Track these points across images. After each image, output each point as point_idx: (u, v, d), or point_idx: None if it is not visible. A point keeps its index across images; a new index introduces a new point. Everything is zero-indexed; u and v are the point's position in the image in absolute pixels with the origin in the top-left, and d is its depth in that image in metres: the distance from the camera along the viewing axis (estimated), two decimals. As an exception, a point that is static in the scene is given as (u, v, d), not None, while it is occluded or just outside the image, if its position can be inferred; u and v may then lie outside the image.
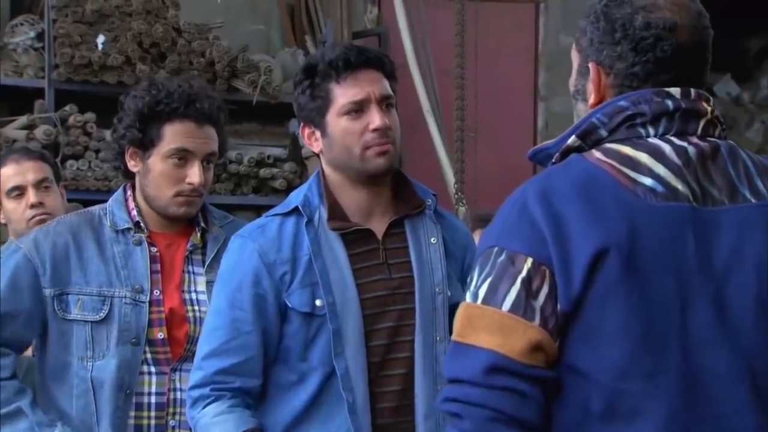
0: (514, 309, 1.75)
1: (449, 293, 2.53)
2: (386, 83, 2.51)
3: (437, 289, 2.52)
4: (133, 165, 2.78)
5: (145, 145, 2.75)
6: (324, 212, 2.51)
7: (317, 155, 2.58)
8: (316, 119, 2.51)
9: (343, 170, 2.51)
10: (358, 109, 2.47)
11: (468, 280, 1.82)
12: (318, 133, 2.52)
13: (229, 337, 2.46)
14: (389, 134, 2.47)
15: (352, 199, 2.53)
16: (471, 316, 1.77)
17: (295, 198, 2.56)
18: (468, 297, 1.79)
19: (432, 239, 2.55)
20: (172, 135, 2.74)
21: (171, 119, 2.74)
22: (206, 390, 2.46)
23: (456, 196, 5.58)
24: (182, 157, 2.74)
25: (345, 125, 2.47)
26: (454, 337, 1.79)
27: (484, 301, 1.77)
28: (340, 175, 2.52)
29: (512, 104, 7.02)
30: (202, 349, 2.50)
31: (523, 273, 1.75)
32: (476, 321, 1.76)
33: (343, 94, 2.47)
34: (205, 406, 2.46)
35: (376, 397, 2.47)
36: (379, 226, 2.53)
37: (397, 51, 5.73)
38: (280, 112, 5.87)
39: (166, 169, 2.74)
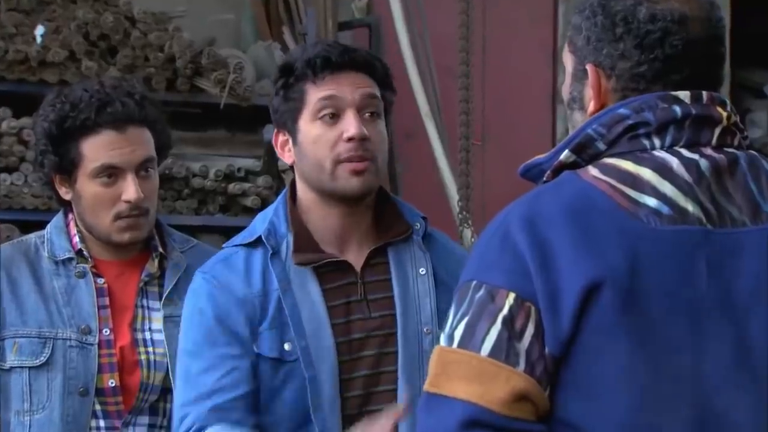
0: (494, 353, 1.76)
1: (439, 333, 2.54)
2: (374, 90, 2.52)
3: (425, 330, 2.54)
4: (64, 192, 2.80)
5: (67, 169, 2.75)
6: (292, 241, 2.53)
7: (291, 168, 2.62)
8: (288, 124, 2.54)
9: (314, 188, 2.54)
10: (332, 113, 2.49)
11: (445, 319, 1.85)
12: (291, 142, 2.55)
13: (220, 375, 2.47)
14: (367, 147, 2.48)
15: (326, 223, 2.55)
16: (446, 362, 1.80)
17: (260, 224, 2.58)
18: (442, 340, 1.82)
19: (420, 270, 2.57)
20: (92, 151, 2.74)
21: (85, 133, 2.74)
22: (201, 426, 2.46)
23: (460, 215, 5.56)
24: (110, 174, 2.74)
25: (316, 132, 2.50)
26: (426, 387, 1.81)
27: (460, 345, 1.79)
28: (312, 194, 2.55)
29: (526, 108, 7.03)
30: (185, 395, 2.49)
31: (505, 311, 1.77)
32: (451, 368, 1.78)
33: (317, 94, 2.50)
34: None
35: None
36: (357, 256, 2.56)
37: (390, 45, 5.74)
38: (253, 116, 5.87)
39: (95, 191, 2.75)
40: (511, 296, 1.77)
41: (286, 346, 2.48)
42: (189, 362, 2.51)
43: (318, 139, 2.49)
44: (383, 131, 2.54)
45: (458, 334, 1.79)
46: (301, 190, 2.56)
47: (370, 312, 2.53)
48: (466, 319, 1.79)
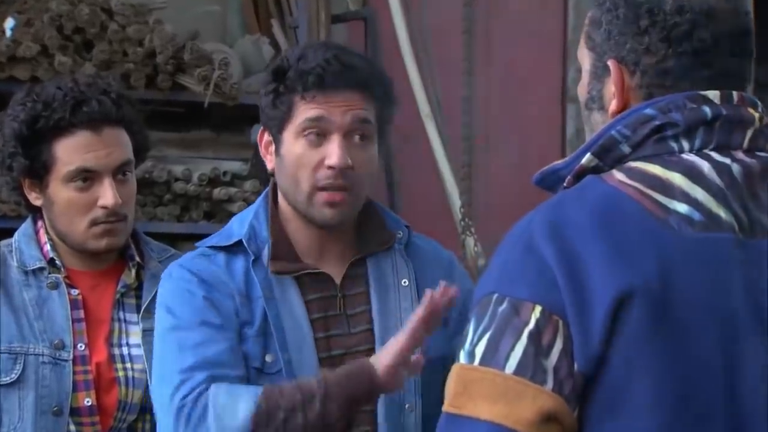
0: (520, 370, 1.76)
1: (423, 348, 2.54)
2: (367, 113, 2.53)
3: None
4: (34, 197, 2.80)
5: (39, 172, 2.75)
6: None
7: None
8: (273, 130, 2.58)
9: (290, 203, 2.58)
10: (317, 132, 2.51)
11: (463, 335, 1.85)
12: (273, 148, 2.59)
13: (221, 349, 2.48)
14: (348, 177, 2.51)
15: (305, 234, 2.59)
16: (467, 380, 1.79)
17: (238, 227, 2.61)
18: (462, 357, 1.81)
19: (403, 281, 2.61)
20: (66, 153, 2.74)
21: (58, 134, 2.74)
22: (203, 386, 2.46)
23: (462, 223, 5.57)
24: (86, 177, 2.74)
25: (299, 151, 2.53)
26: (446, 407, 1.80)
27: (482, 362, 1.78)
28: (290, 206, 2.59)
29: (534, 106, 7.03)
30: (182, 363, 2.48)
31: (531, 325, 1.77)
32: (474, 387, 1.78)
33: (304, 111, 2.52)
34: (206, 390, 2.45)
35: None
36: (336, 267, 2.60)
37: (387, 39, 5.74)
38: (240, 116, 5.87)
39: (69, 196, 2.75)
40: (538, 309, 1.77)
41: (268, 358, 2.51)
42: (182, 336, 2.51)
43: (300, 159, 2.52)
44: (371, 156, 2.56)
45: (480, 350, 1.79)
46: (281, 198, 2.61)
47: (350, 327, 2.57)
48: (488, 335, 1.79)
